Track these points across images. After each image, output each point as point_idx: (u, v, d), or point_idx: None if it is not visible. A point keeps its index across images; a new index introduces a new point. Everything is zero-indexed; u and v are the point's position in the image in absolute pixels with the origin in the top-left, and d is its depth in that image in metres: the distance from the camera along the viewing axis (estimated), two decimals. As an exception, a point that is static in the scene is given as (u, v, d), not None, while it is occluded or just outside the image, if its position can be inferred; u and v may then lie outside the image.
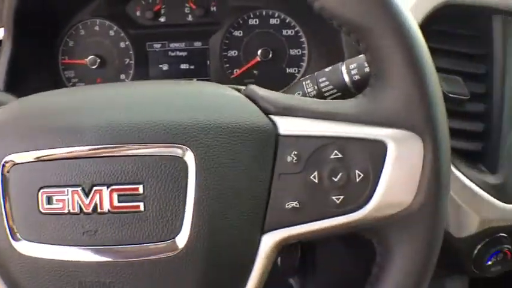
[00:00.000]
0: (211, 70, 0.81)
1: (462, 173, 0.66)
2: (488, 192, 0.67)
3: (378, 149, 0.43)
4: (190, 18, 0.80)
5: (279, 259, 0.72)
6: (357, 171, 0.43)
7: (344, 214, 0.43)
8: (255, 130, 0.42)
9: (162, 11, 0.80)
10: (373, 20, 0.42)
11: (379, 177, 0.43)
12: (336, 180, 0.43)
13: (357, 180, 0.43)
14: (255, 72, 0.81)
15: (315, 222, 0.43)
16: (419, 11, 0.65)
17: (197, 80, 0.81)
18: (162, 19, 0.80)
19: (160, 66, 0.80)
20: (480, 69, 0.69)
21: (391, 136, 0.43)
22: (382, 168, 0.43)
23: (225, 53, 0.80)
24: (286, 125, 0.43)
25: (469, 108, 0.68)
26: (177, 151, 0.40)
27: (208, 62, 0.81)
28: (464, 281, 0.82)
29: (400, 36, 0.42)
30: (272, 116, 0.44)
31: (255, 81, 0.80)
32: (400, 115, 0.43)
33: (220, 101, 0.44)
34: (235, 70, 0.81)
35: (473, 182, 0.66)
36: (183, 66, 0.81)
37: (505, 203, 0.68)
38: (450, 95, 0.65)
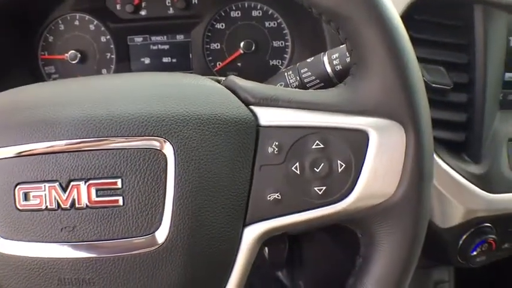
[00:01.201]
0: (194, 63, 0.80)
1: (446, 163, 0.66)
2: (472, 182, 0.67)
3: (359, 139, 0.43)
4: (171, 11, 0.79)
5: (266, 253, 0.72)
6: (338, 162, 0.42)
7: (326, 205, 0.43)
8: (235, 121, 0.41)
9: (143, 4, 0.79)
10: (352, 8, 0.41)
11: (361, 167, 0.42)
12: (317, 171, 0.42)
13: (339, 170, 0.42)
14: (238, 64, 0.80)
15: (297, 214, 0.42)
16: (401, 1, 0.64)
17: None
18: (143, 12, 0.79)
19: (142, 60, 0.79)
20: (462, 59, 0.68)
21: (373, 125, 0.42)
22: (364, 158, 0.43)
23: (208, 46, 0.80)
24: (267, 116, 0.43)
25: (452, 98, 0.67)
26: (156, 144, 0.39)
27: (190, 55, 0.80)
28: (450, 271, 0.82)
29: (380, 24, 0.41)
30: (252, 107, 0.43)
31: (238, 74, 0.77)
32: (381, 104, 0.43)
33: (200, 93, 0.43)
34: (218, 63, 0.80)
35: (457, 172, 0.66)
36: (165, 59, 0.80)
37: (489, 192, 0.68)
38: (433, 85, 0.65)
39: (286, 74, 0.60)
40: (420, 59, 0.66)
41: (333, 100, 0.44)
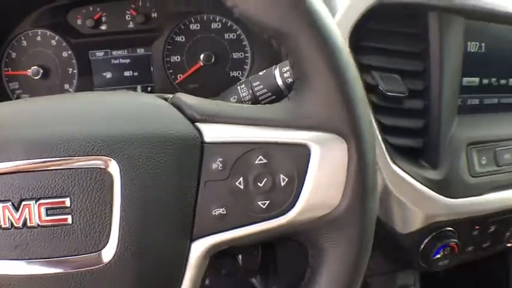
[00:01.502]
0: (155, 76, 0.80)
1: (403, 170, 0.66)
2: (430, 188, 0.68)
3: (301, 153, 0.43)
4: (131, 25, 0.79)
5: (240, 260, 0.72)
6: (282, 176, 0.43)
7: (271, 219, 0.43)
8: (179, 139, 0.42)
9: (103, 19, 0.79)
10: (291, 25, 0.42)
11: (303, 181, 0.43)
12: (261, 185, 0.43)
13: (282, 184, 0.43)
14: (199, 77, 0.80)
15: (242, 228, 0.43)
16: (355, 10, 0.65)
17: (141, 86, 0.80)
18: (103, 27, 0.79)
19: (104, 74, 0.79)
20: (418, 66, 0.69)
21: (315, 139, 0.43)
22: (306, 171, 0.43)
23: (168, 59, 0.80)
24: (212, 132, 0.43)
25: (408, 105, 0.68)
26: (102, 163, 0.40)
27: (151, 69, 0.80)
28: (415, 275, 0.83)
29: (319, 39, 0.42)
30: (198, 124, 0.43)
31: (199, 86, 0.80)
32: (322, 118, 0.43)
33: (145, 111, 0.44)
34: (179, 75, 0.80)
35: (415, 179, 0.67)
36: (127, 73, 0.80)
37: (448, 197, 0.69)
38: (388, 93, 0.65)
39: (239, 87, 0.60)
40: (376, 68, 0.68)
41: (276, 115, 0.44)
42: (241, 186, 0.42)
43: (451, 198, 0.69)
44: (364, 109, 0.44)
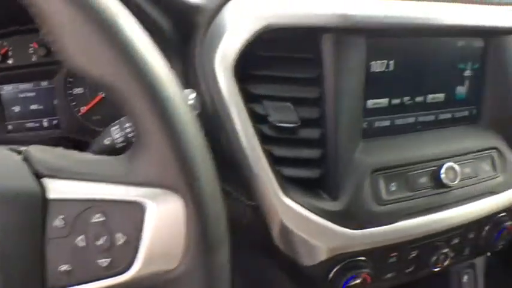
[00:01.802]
0: (59, 109, 0.79)
1: (299, 203, 0.63)
2: (330, 220, 0.64)
3: (137, 210, 0.42)
4: (34, 58, 0.79)
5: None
6: (119, 234, 0.42)
7: (113, 276, 0.43)
8: (24, 195, 0.41)
9: (10, 53, 0.79)
10: (120, 79, 0.40)
11: (140, 239, 0.42)
12: (100, 243, 0.42)
13: (120, 242, 0.42)
14: (101, 108, 0.79)
15: (89, 284, 0.43)
16: (239, 37, 0.60)
17: (48, 119, 0.80)
18: (10, 61, 0.79)
19: (13, 108, 0.80)
20: (313, 93, 0.64)
21: (150, 196, 0.42)
22: (142, 229, 0.42)
23: (70, 91, 0.79)
24: (55, 189, 0.42)
25: (303, 134, 0.64)
26: None
27: (55, 102, 0.80)
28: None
29: (148, 93, 0.40)
30: (44, 180, 0.43)
31: (101, 118, 0.79)
32: (156, 174, 0.42)
33: None
34: (82, 108, 0.80)
35: (312, 211, 0.64)
36: (33, 106, 0.80)
37: (350, 228, 0.65)
38: (278, 124, 0.62)
39: (111, 129, 0.59)
40: (268, 97, 0.64)
41: (113, 171, 0.43)
42: (82, 244, 0.42)
43: (354, 229, 0.65)
44: (201, 163, 0.43)
